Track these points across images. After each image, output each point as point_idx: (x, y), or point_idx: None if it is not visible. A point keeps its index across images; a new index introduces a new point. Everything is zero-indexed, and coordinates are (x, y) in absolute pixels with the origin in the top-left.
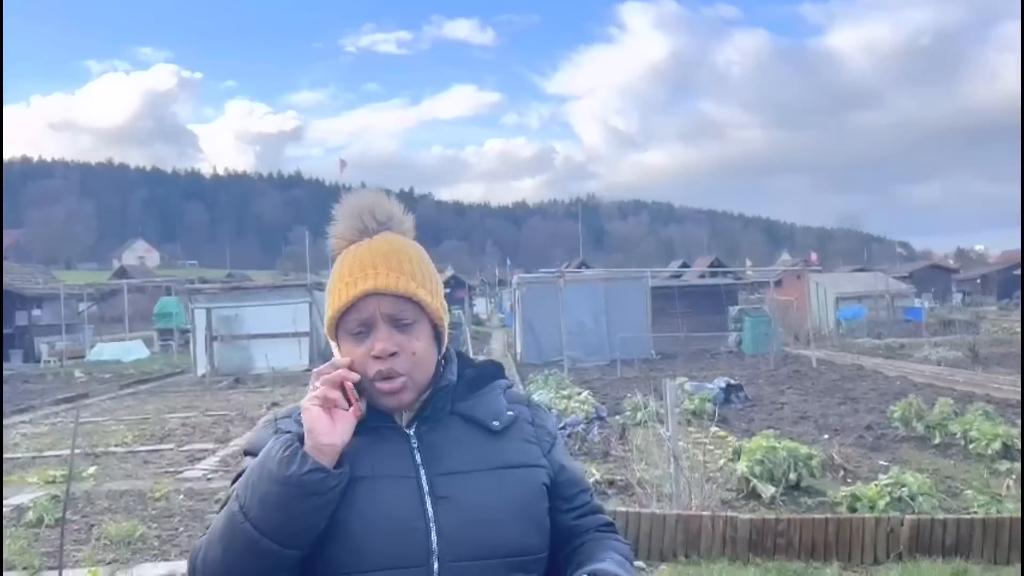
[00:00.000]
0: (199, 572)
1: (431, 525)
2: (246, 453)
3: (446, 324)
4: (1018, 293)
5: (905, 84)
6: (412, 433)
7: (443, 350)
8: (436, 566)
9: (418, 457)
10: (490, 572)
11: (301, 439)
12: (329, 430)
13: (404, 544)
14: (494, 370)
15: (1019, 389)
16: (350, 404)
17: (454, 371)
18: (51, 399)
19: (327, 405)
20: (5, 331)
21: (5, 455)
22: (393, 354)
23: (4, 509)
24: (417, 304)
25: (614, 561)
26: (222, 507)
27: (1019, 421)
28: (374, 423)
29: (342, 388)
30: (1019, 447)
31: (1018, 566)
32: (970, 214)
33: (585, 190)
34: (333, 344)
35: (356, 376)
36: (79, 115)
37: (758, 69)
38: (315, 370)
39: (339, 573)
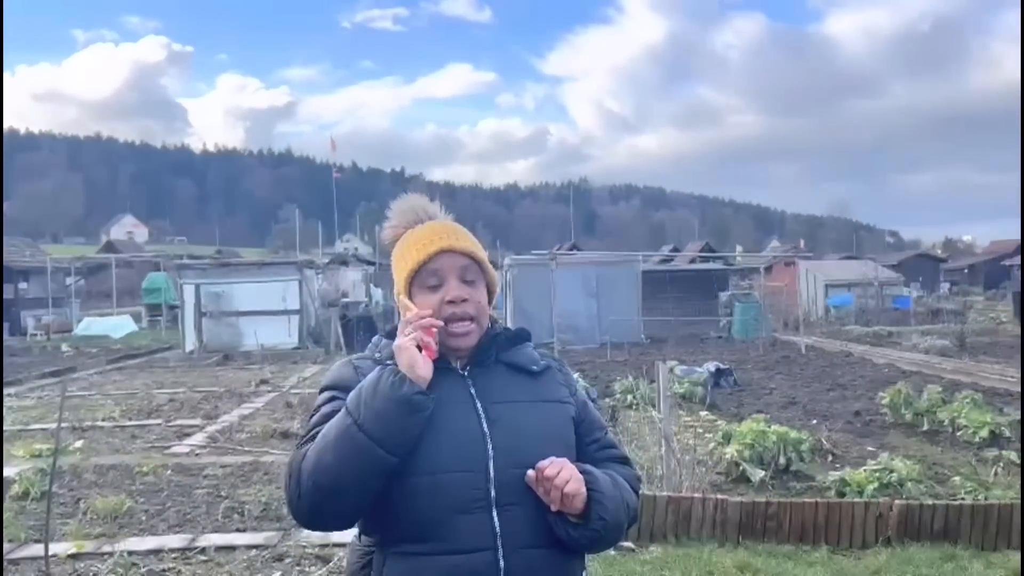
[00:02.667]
0: (307, 478)
1: (487, 439)
2: (323, 389)
3: (495, 287)
4: (1005, 283)
5: (903, 72)
6: (466, 375)
7: (493, 307)
8: (492, 471)
9: (473, 391)
10: None
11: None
12: (424, 365)
13: (468, 452)
14: (525, 333)
15: (1005, 378)
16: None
17: (498, 329)
18: (37, 372)
19: (419, 345)
20: None
21: None
22: (464, 300)
23: None
24: (479, 265)
25: (605, 473)
26: (309, 434)
27: (1006, 409)
28: (439, 365)
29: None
30: (1006, 435)
31: (1005, 551)
32: (961, 204)
33: (578, 173)
34: (405, 298)
35: (440, 323)
36: (65, 86)
37: (755, 54)
38: (405, 318)
39: (419, 474)
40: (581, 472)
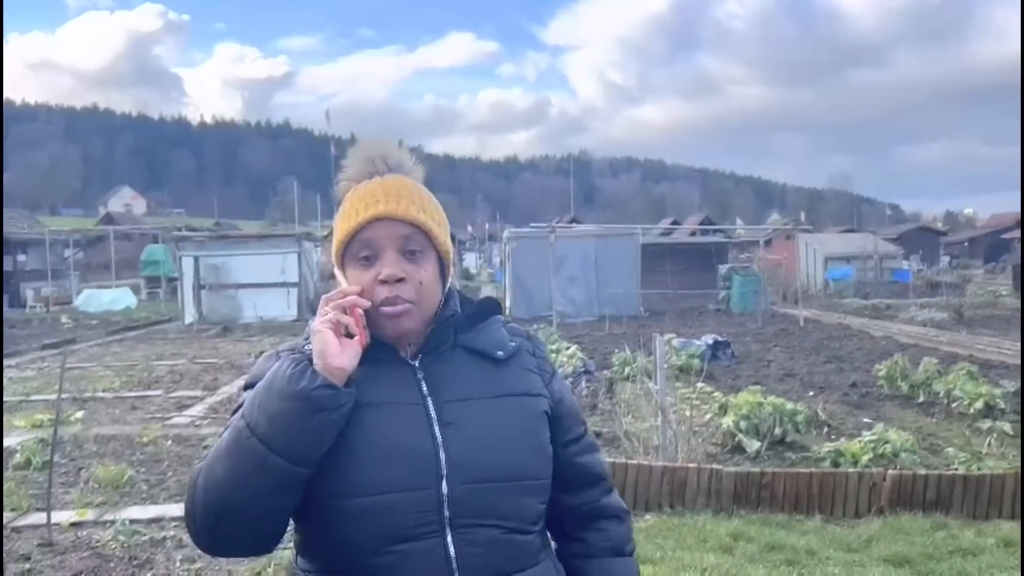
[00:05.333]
0: (200, 494)
1: (440, 449)
2: (247, 387)
3: (451, 259)
4: (1005, 257)
5: (910, 42)
6: (417, 364)
7: (447, 284)
8: (445, 488)
9: (424, 387)
10: (497, 494)
11: (309, 360)
12: (339, 353)
13: (414, 468)
14: (492, 305)
15: (1002, 350)
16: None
17: (456, 305)
18: (38, 344)
19: (337, 329)
20: None
21: None
22: (400, 280)
23: None
24: (425, 234)
25: None
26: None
27: (1001, 381)
28: (379, 355)
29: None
30: (1001, 407)
31: (996, 521)
32: (963, 177)
33: (578, 144)
34: (338, 272)
35: (366, 303)
36: (58, 55)
37: (760, 23)
38: (325, 296)
39: (355, 495)
40: None
